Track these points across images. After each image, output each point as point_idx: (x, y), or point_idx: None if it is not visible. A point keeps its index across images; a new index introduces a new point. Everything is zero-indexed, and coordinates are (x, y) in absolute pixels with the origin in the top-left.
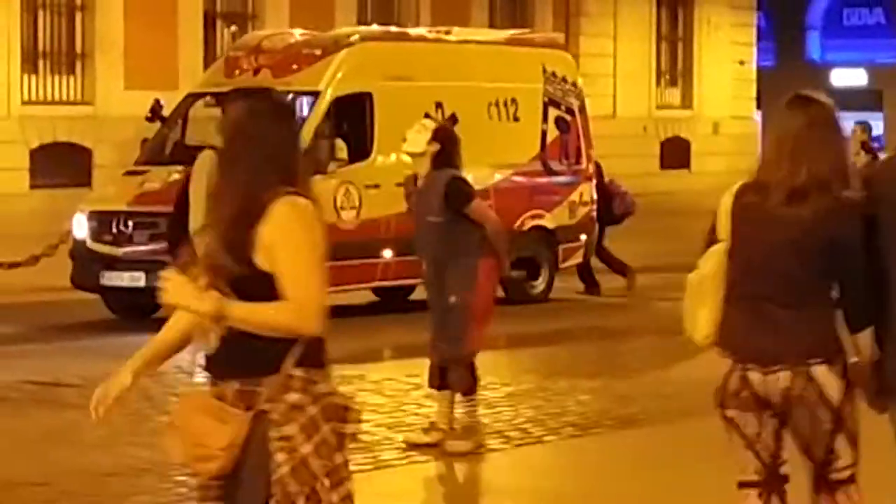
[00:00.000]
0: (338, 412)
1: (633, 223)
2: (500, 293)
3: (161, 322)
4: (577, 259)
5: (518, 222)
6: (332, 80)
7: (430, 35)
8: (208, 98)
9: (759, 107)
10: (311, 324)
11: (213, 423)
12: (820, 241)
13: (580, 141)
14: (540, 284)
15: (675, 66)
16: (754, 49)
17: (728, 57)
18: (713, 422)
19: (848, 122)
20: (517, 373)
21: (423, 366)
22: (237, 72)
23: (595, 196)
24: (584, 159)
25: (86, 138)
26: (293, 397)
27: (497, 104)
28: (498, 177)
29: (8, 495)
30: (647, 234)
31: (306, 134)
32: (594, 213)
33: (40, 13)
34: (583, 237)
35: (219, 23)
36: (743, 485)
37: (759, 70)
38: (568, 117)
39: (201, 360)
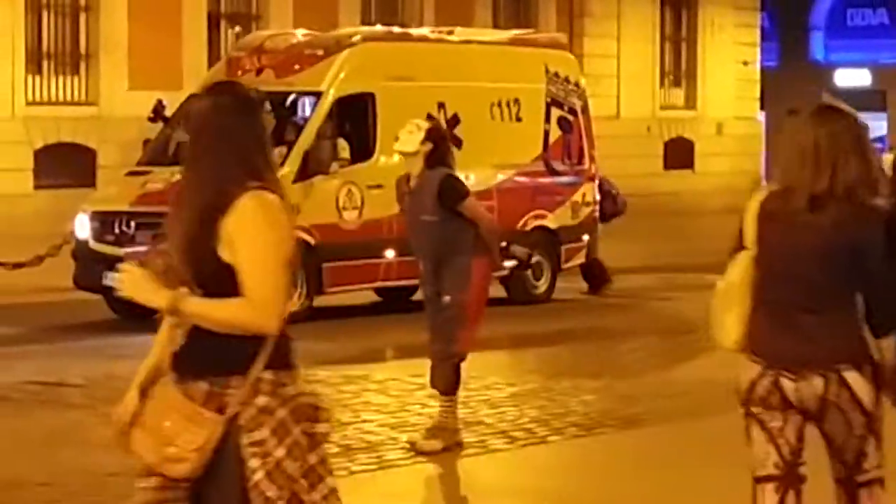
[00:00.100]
0: (308, 412)
1: (636, 223)
2: (503, 293)
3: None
4: (580, 259)
5: (520, 222)
6: (335, 80)
7: (433, 35)
8: None
9: (762, 107)
10: (268, 322)
11: (185, 423)
12: (841, 248)
13: (583, 141)
14: (542, 285)
15: (679, 66)
16: (758, 49)
17: (732, 57)
18: (716, 422)
19: None
20: (521, 373)
21: (426, 366)
22: (239, 72)
23: (598, 196)
24: (586, 159)
25: (90, 139)
26: (262, 401)
27: (500, 104)
28: (500, 177)
29: (11, 495)
30: (651, 235)
31: (309, 134)
32: (597, 214)
33: (44, 14)
34: (585, 237)
35: (223, 23)
36: (760, 479)
37: (763, 70)
38: (570, 117)
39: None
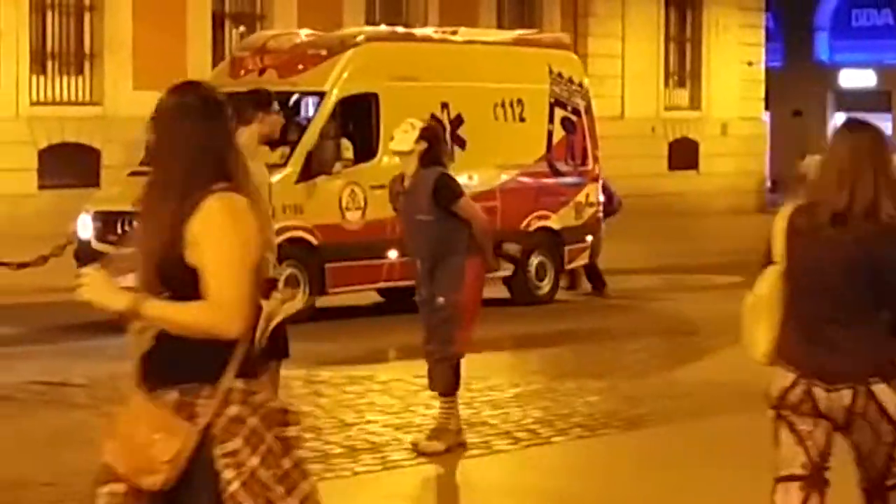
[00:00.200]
0: (278, 417)
1: (640, 224)
2: (506, 294)
3: None
4: (583, 260)
5: (524, 223)
6: (338, 80)
7: (436, 35)
8: None
9: (767, 108)
10: (230, 325)
11: (159, 433)
12: (862, 264)
13: (586, 142)
14: (545, 285)
15: (684, 67)
16: (762, 50)
17: (736, 58)
18: (720, 422)
19: None
20: (524, 374)
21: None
22: (243, 72)
23: (602, 197)
24: (590, 160)
25: (94, 139)
26: (234, 410)
27: (503, 105)
28: (504, 177)
29: (15, 495)
30: (655, 235)
31: (312, 134)
32: (600, 214)
33: (49, 14)
34: (589, 238)
35: (227, 23)
36: (784, 479)
37: (768, 71)
38: (574, 118)
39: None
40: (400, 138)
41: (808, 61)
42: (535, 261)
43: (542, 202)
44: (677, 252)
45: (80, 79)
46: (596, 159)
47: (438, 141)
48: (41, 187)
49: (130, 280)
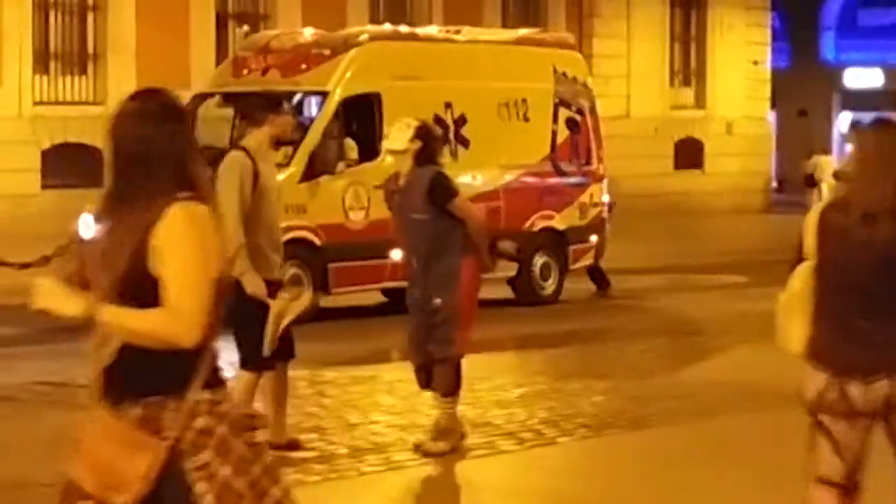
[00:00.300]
0: (245, 424)
1: (645, 224)
2: (510, 294)
3: None
4: (588, 260)
5: (528, 223)
6: (341, 79)
7: (440, 35)
8: (217, 98)
9: (773, 107)
10: (187, 333)
11: (126, 449)
12: (893, 262)
13: (591, 141)
14: (550, 286)
15: (689, 66)
16: (768, 49)
17: (742, 57)
18: (725, 422)
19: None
20: (529, 374)
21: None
22: (245, 71)
23: (606, 198)
24: (594, 160)
25: (97, 139)
26: (201, 422)
27: (507, 104)
28: (508, 177)
29: (17, 496)
30: (660, 235)
31: (315, 134)
32: (605, 214)
33: (52, 13)
34: (593, 238)
35: (231, 23)
36: (822, 482)
37: (774, 70)
38: (578, 118)
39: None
40: (395, 137)
41: (813, 61)
42: (539, 261)
43: (547, 202)
44: (682, 252)
45: (84, 79)
46: (600, 159)
47: (433, 140)
48: (44, 187)
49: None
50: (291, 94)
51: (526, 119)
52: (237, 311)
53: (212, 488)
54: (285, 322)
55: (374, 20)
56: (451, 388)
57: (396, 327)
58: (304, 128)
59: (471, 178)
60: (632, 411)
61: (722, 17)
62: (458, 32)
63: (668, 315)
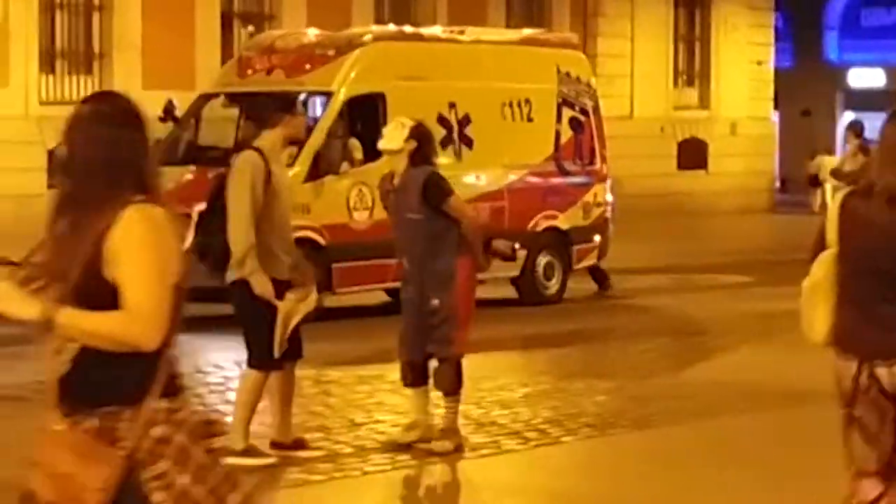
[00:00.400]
0: (204, 430)
1: (648, 224)
2: (514, 294)
3: None
4: (591, 260)
5: (531, 223)
6: (346, 80)
7: (444, 35)
8: (222, 98)
9: (776, 107)
10: (148, 336)
11: (83, 460)
12: None
13: (594, 141)
14: (553, 285)
15: (693, 66)
16: (772, 49)
17: (746, 57)
18: (728, 422)
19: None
20: (533, 374)
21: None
22: (250, 71)
23: (610, 197)
24: (598, 160)
25: None
26: (158, 431)
27: (511, 104)
28: (511, 177)
29: (17, 496)
30: (664, 235)
31: (319, 134)
32: (608, 214)
33: (58, 13)
34: (597, 238)
35: (236, 23)
36: (862, 474)
37: (777, 70)
38: (582, 118)
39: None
40: (390, 137)
41: (817, 61)
42: (542, 261)
43: (550, 202)
44: (686, 252)
45: (90, 78)
46: (604, 159)
47: (428, 140)
48: (50, 187)
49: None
50: (296, 94)
51: (530, 119)
52: (246, 312)
53: (170, 497)
54: (293, 323)
55: (379, 20)
56: (453, 388)
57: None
58: (308, 128)
59: (475, 177)
60: (635, 411)
61: (726, 17)
62: (462, 33)
63: (671, 315)
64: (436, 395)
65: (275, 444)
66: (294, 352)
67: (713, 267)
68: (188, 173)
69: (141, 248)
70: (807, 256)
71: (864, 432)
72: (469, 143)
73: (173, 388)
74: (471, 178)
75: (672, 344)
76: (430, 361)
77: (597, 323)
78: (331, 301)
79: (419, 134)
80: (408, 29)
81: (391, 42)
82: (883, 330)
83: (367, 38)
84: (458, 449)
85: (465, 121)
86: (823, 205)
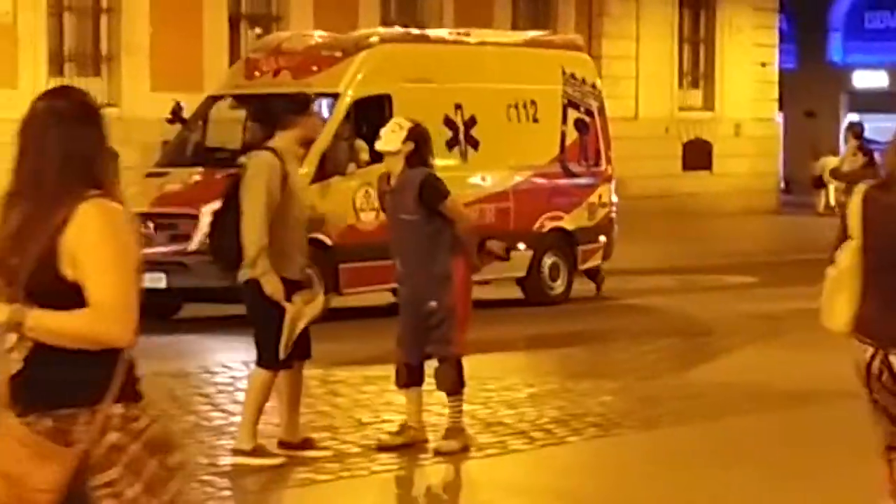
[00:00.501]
0: (161, 444)
1: (653, 224)
2: (520, 294)
3: (182, 323)
4: (597, 261)
5: (537, 224)
6: (352, 81)
7: (450, 37)
8: (229, 100)
9: (780, 109)
10: (121, 332)
11: (34, 460)
12: None
13: (599, 142)
14: (559, 286)
15: (697, 67)
16: (776, 51)
17: (750, 59)
18: (733, 423)
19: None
20: (539, 374)
21: None
22: (257, 73)
23: (615, 198)
24: (603, 161)
25: (112, 140)
26: (113, 438)
27: (516, 106)
28: (517, 178)
29: None
30: (668, 236)
31: (326, 135)
32: (613, 215)
33: (66, 16)
34: (602, 239)
35: (243, 25)
36: (890, 448)
37: (781, 72)
38: (587, 119)
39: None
40: (387, 138)
41: (821, 62)
42: (548, 261)
43: (556, 203)
44: (690, 252)
45: (98, 81)
46: (609, 160)
47: (425, 142)
48: None
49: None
50: (310, 95)
51: (535, 120)
52: (257, 311)
53: None
54: (300, 326)
55: (386, 22)
56: (455, 388)
57: None
58: None
59: (480, 178)
60: (640, 411)
61: (730, 18)
62: (468, 34)
63: (676, 316)
64: (437, 396)
65: (283, 444)
66: (302, 352)
67: (718, 268)
68: (196, 175)
69: (100, 242)
70: (828, 252)
71: (887, 415)
72: (475, 144)
73: (132, 393)
74: (476, 179)
75: (677, 344)
76: (426, 363)
77: (602, 323)
78: (337, 301)
79: (417, 135)
80: (414, 31)
81: (397, 44)
82: None
83: (374, 39)
84: (465, 448)
85: (470, 122)
86: (828, 206)
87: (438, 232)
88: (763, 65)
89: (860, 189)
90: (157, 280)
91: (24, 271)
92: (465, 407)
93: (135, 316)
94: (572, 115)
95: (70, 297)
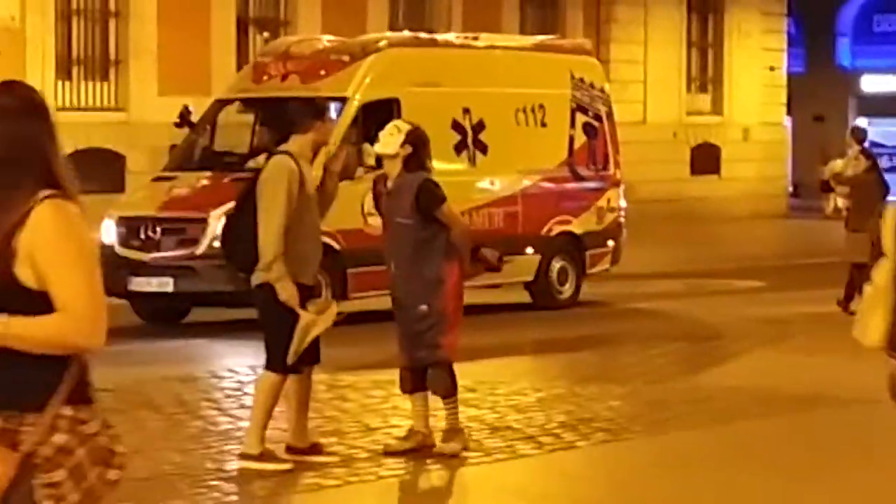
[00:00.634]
0: (104, 456)
1: (662, 229)
2: (528, 298)
3: (190, 327)
4: (605, 265)
5: (545, 228)
6: (360, 85)
7: (458, 41)
8: (237, 104)
9: (789, 113)
10: (94, 335)
11: None
12: None
13: (608, 147)
14: (567, 290)
15: (706, 72)
16: (784, 55)
17: (758, 63)
18: (742, 427)
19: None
20: (548, 378)
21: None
22: (265, 77)
23: (623, 203)
24: (611, 165)
25: (119, 144)
26: (60, 439)
27: (525, 110)
28: (525, 182)
29: None
30: (677, 240)
31: (334, 140)
32: (622, 219)
33: (74, 20)
34: (610, 243)
35: (251, 29)
36: None
37: (790, 76)
38: (595, 123)
39: None
40: (385, 141)
41: (829, 66)
42: (556, 266)
43: (564, 207)
44: (699, 257)
45: (106, 85)
46: (617, 164)
47: (424, 145)
48: None
49: None
50: (326, 100)
51: (543, 125)
52: (269, 315)
53: None
54: (312, 335)
55: (393, 26)
56: (448, 391)
57: None
58: None
59: (489, 183)
60: (649, 415)
61: (739, 22)
62: (476, 39)
63: (684, 320)
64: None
65: (291, 449)
66: (311, 356)
67: (726, 272)
68: (204, 179)
69: (61, 244)
70: (869, 266)
71: None
72: (483, 148)
73: (83, 396)
74: (485, 184)
75: (685, 348)
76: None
77: (610, 327)
78: (345, 306)
79: (415, 139)
80: (422, 35)
81: (406, 48)
82: None
83: (382, 44)
84: (466, 448)
85: (479, 126)
86: (836, 210)
87: (433, 237)
88: (771, 69)
89: (893, 208)
90: (165, 284)
91: None
92: (473, 412)
93: (105, 319)
94: (580, 119)
95: (26, 300)
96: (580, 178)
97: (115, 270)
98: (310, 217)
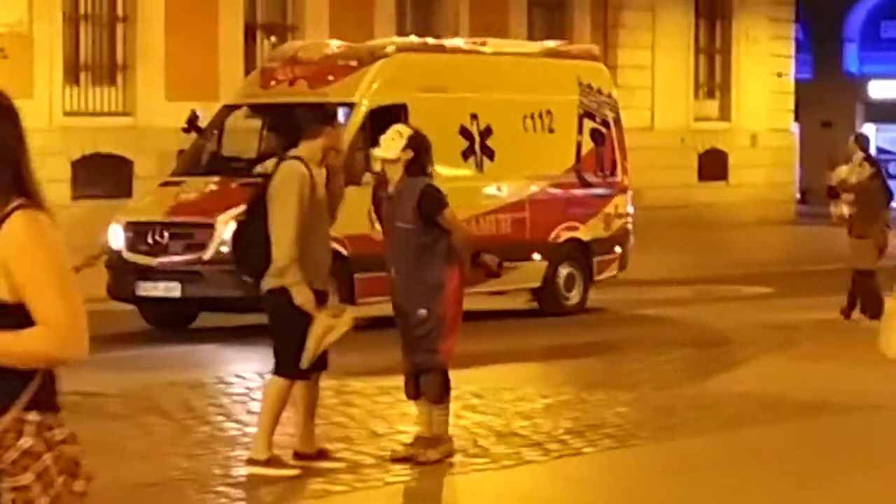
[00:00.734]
0: (70, 465)
1: (669, 235)
2: (535, 304)
3: (197, 332)
4: (613, 271)
5: (553, 234)
6: (368, 91)
7: (466, 46)
8: (245, 109)
9: (796, 119)
10: (73, 351)
11: None
12: None
13: (615, 153)
14: (574, 296)
15: (713, 78)
16: (792, 61)
17: (766, 69)
18: (750, 433)
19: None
20: (554, 384)
21: (460, 378)
22: (273, 83)
23: (631, 209)
24: (619, 171)
25: (127, 149)
26: (27, 443)
27: (532, 116)
28: (533, 188)
29: None
30: (684, 246)
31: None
32: (629, 225)
33: (82, 25)
34: (617, 249)
35: (259, 34)
36: None
37: (797, 82)
38: (603, 129)
39: None
40: (386, 146)
41: (837, 72)
42: (563, 272)
43: (571, 213)
44: (707, 263)
45: (113, 90)
46: (625, 170)
47: (425, 150)
48: (74, 198)
49: None
50: (336, 105)
51: (551, 130)
52: (281, 320)
53: None
54: (331, 339)
55: (401, 32)
56: (439, 397)
57: None
58: None
59: (496, 189)
60: (656, 422)
61: (747, 29)
62: (483, 44)
63: (692, 326)
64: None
65: (298, 455)
66: (320, 363)
67: (734, 278)
68: (211, 184)
69: (36, 255)
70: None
71: None
72: (491, 154)
73: (49, 404)
74: (492, 190)
75: (693, 355)
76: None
77: (618, 334)
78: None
79: (416, 143)
80: (430, 40)
81: (413, 53)
82: None
83: (390, 49)
84: (449, 455)
85: (486, 132)
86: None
87: (434, 242)
88: (779, 75)
89: None
90: (173, 289)
91: None
92: (480, 418)
93: (86, 330)
94: (588, 125)
95: (1, 313)
96: (587, 185)
97: (122, 275)
98: (321, 222)
